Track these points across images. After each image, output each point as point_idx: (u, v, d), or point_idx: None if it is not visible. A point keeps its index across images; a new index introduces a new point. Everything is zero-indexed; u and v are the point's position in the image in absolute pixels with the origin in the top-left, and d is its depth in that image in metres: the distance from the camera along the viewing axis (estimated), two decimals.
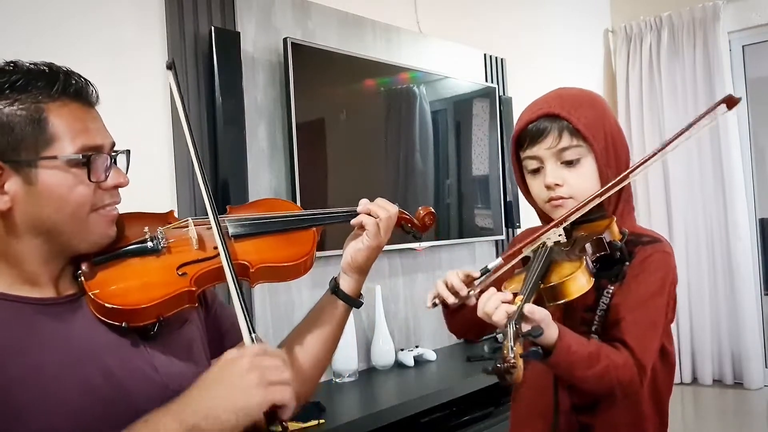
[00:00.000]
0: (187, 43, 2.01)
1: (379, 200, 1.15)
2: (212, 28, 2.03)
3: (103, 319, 0.93)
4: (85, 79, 0.96)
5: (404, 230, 1.23)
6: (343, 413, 1.99)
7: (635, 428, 1.21)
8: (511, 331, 0.94)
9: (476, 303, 1.17)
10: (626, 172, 1.20)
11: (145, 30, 1.96)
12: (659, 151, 1.19)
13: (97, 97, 0.98)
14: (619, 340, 1.13)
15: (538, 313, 1.00)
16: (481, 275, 1.17)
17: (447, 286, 1.18)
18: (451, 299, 1.17)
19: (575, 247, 1.12)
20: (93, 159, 0.92)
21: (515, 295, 1.03)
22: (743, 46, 3.91)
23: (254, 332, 0.93)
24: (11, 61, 0.93)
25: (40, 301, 0.93)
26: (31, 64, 0.94)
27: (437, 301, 1.20)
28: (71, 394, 0.87)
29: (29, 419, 0.84)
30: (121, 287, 0.95)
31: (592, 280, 1.06)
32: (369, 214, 1.13)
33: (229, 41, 2.06)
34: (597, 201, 1.17)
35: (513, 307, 0.99)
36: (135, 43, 1.94)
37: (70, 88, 0.93)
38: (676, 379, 3.84)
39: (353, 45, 2.54)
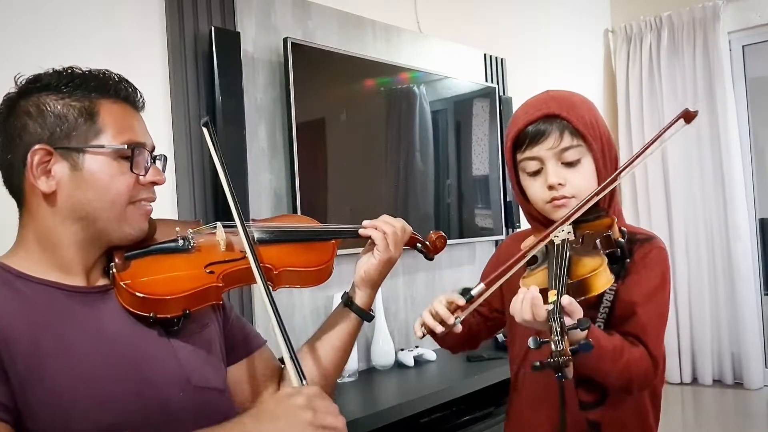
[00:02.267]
0: (187, 43, 2.01)
1: (383, 216, 1.22)
2: (212, 28, 2.03)
3: (131, 309, 0.97)
4: (134, 87, 1.04)
5: (417, 250, 1.31)
6: (343, 413, 1.97)
7: (640, 422, 1.23)
8: (556, 324, 0.94)
9: (461, 330, 1.19)
10: (624, 165, 1.21)
11: (145, 30, 1.96)
12: (646, 148, 1.20)
13: (144, 104, 1.06)
14: (632, 335, 1.15)
15: (576, 305, 1.01)
16: (466, 301, 1.17)
17: (433, 315, 1.19)
18: (438, 329, 1.18)
19: (586, 244, 1.13)
20: (136, 153, 0.99)
21: (543, 290, 1.03)
22: (743, 46, 3.91)
23: (304, 377, 0.94)
24: (68, 67, 1.00)
25: (73, 288, 0.97)
26: (86, 70, 1.01)
27: (425, 330, 1.21)
28: (99, 372, 0.91)
29: (59, 391, 0.88)
30: (151, 279, 0.99)
31: (612, 276, 1.07)
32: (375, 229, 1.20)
33: (229, 41, 2.06)
34: (601, 195, 1.18)
35: (548, 305, 0.99)
36: (135, 43, 1.94)
37: (121, 91, 1.02)
38: (676, 379, 3.84)
39: (353, 45, 2.54)
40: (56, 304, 0.94)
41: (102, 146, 0.97)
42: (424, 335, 1.22)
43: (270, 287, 1.04)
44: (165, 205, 1.94)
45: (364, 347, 2.51)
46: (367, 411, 2.01)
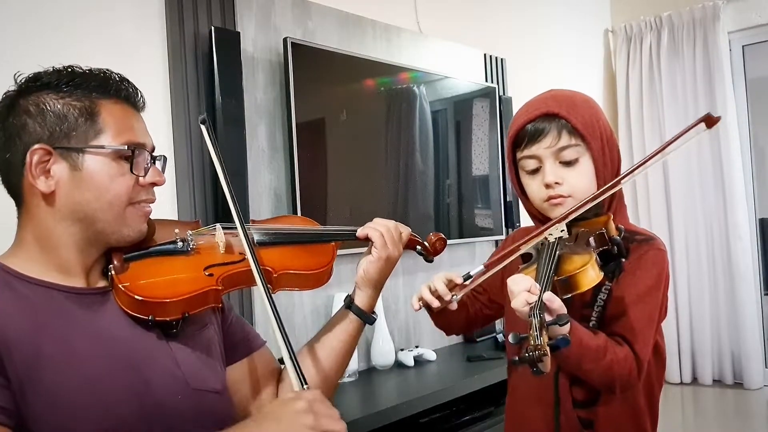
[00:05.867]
0: (187, 43, 2.01)
1: (375, 219, 1.22)
2: (212, 28, 2.03)
3: (130, 312, 0.96)
4: (135, 87, 1.04)
5: (416, 252, 1.31)
6: (343, 413, 1.94)
7: (634, 423, 1.23)
8: (536, 320, 0.95)
9: (457, 308, 1.23)
10: (628, 170, 1.20)
11: (145, 30, 1.96)
12: (658, 152, 1.20)
13: (144, 104, 1.05)
14: (619, 334, 1.15)
15: (557, 302, 1.01)
16: (464, 280, 1.22)
17: (431, 290, 1.23)
18: (435, 303, 1.22)
19: (579, 242, 1.13)
20: (136, 153, 0.98)
21: None
22: (743, 46, 3.91)
23: (305, 381, 0.93)
24: (69, 66, 0.99)
25: (72, 289, 0.96)
26: (87, 69, 1.00)
27: (421, 304, 1.25)
28: (99, 374, 0.90)
29: (60, 393, 0.87)
30: (150, 282, 0.98)
31: (602, 273, 1.07)
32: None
33: (229, 41, 2.06)
34: (599, 200, 1.18)
35: (533, 297, 1.00)
36: (135, 43, 1.94)
37: (122, 91, 1.01)
38: (676, 379, 3.84)
39: (353, 45, 2.54)
40: (56, 305, 0.93)
41: (102, 146, 0.96)
42: (420, 308, 1.26)
43: (270, 290, 1.03)
44: (165, 205, 1.94)
45: (364, 347, 2.51)
46: (367, 411, 2.01)
